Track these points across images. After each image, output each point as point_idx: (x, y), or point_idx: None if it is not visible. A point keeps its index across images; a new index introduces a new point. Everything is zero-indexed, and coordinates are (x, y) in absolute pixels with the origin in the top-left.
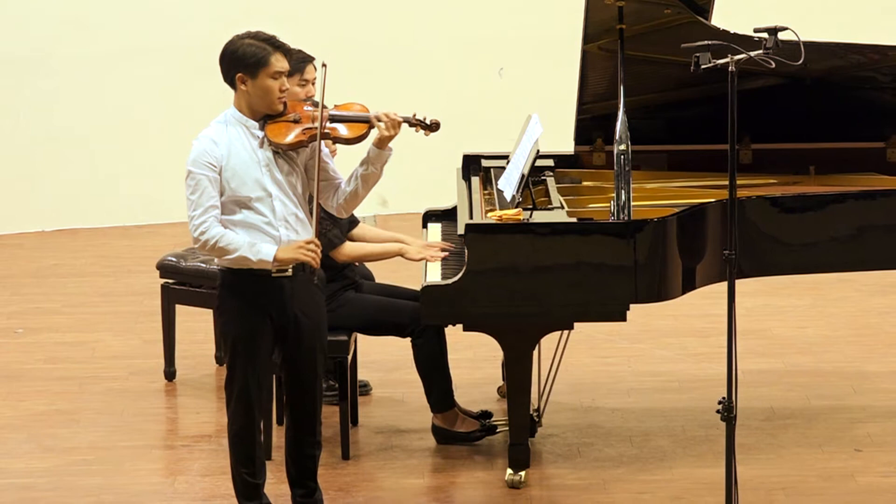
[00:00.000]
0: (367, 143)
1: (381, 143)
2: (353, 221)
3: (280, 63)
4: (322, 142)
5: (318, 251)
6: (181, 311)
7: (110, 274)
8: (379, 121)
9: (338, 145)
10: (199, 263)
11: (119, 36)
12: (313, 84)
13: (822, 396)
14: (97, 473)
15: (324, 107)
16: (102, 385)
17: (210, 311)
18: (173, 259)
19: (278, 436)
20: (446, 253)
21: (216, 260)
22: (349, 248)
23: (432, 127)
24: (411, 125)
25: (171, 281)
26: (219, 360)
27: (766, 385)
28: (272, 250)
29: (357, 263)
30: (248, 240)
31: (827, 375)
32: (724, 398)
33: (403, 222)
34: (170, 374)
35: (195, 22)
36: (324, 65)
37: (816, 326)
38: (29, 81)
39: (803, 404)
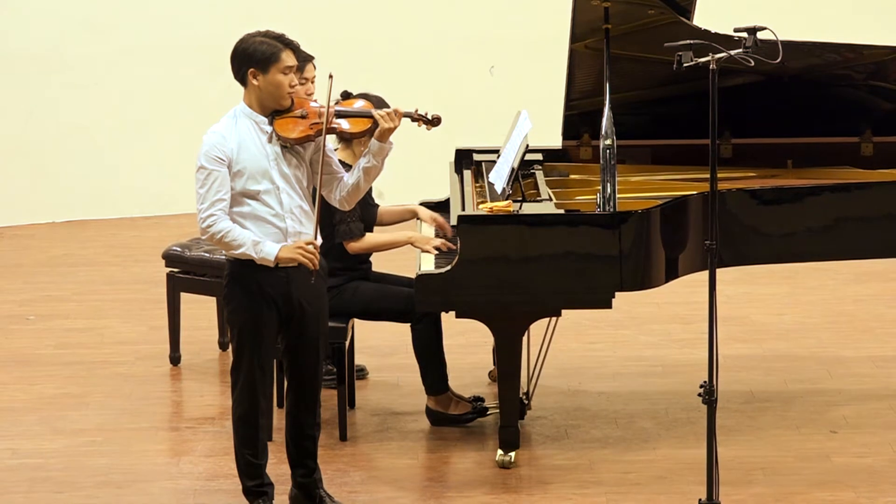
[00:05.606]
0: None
1: (382, 136)
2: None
3: (290, 59)
4: (328, 136)
5: (317, 253)
6: (186, 298)
7: (118, 263)
8: (380, 114)
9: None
10: (203, 253)
11: (126, 34)
12: (313, 82)
13: (799, 380)
14: (105, 454)
15: (330, 109)
16: (110, 369)
17: (213, 299)
18: (178, 249)
19: (279, 418)
20: (449, 244)
21: (223, 250)
22: (364, 241)
23: (434, 122)
24: (413, 120)
25: (176, 270)
26: (222, 346)
27: (745, 369)
28: (274, 250)
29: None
30: (252, 237)
31: (804, 360)
32: (705, 382)
33: None
34: (175, 359)
35: (199, 21)
36: (330, 76)
37: (794, 313)
38: (39, 78)
39: (781, 388)
